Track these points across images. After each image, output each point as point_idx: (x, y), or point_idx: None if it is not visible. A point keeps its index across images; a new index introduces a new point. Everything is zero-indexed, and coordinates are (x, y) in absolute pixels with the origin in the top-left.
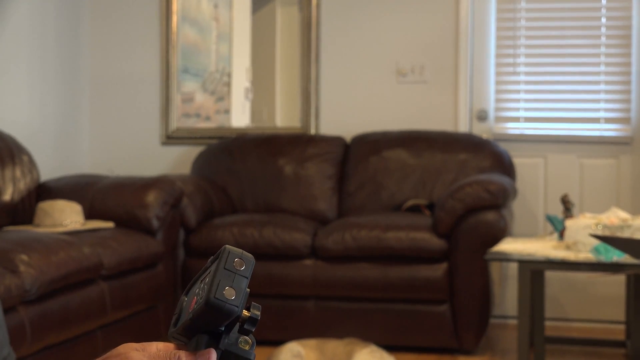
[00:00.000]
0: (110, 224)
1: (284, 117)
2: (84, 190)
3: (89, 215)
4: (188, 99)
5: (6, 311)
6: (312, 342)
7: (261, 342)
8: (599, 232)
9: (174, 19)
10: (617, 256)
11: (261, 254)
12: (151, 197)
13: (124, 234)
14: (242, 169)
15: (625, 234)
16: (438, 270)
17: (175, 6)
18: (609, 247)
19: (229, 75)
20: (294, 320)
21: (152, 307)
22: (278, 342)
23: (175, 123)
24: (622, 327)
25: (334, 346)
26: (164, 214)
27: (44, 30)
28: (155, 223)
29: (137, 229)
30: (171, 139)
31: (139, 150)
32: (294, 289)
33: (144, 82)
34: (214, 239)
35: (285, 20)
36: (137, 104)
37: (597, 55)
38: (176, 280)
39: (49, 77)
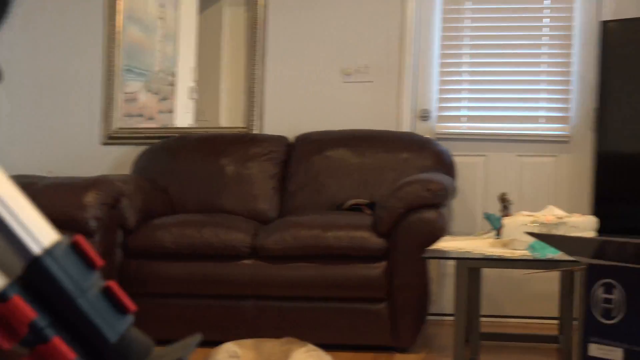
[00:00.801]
0: None
1: (228, 117)
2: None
3: None
4: (131, 99)
5: None
6: (248, 342)
7: (199, 344)
8: (535, 230)
9: (119, 17)
10: (551, 253)
11: (200, 254)
12: (89, 198)
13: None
14: (183, 169)
15: (560, 231)
16: (377, 269)
17: (120, 5)
18: (545, 245)
19: (174, 74)
20: (233, 320)
21: None
22: (216, 343)
23: (118, 123)
24: (555, 322)
25: (271, 346)
26: (102, 215)
27: None
28: (92, 224)
29: (75, 230)
30: (113, 139)
31: (79, 150)
32: (233, 289)
33: (86, 82)
34: (153, 239)
35: (232, 20)
36: (78, 104)
37: (539, 55)
38: (114, 280)
39: None
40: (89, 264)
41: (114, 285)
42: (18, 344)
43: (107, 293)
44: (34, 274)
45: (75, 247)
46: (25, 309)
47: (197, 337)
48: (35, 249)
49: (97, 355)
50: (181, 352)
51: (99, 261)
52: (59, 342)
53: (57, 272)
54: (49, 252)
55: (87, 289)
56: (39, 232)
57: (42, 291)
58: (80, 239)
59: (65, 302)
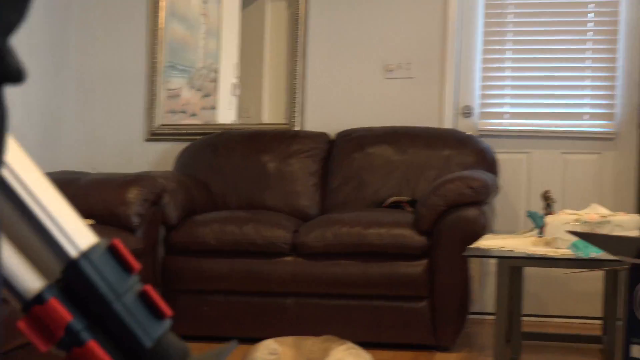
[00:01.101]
0: (90, 221)
1: (270, 114)
2: (65, 188)
3: None
4: (174, 95)
5: None
6: (289, 340)
7: (240, 340)
8: (578, 229)
9: (162, 14)
10: (594, 252)
11: (242, 250)
12: (132, 194)
13: (104, 231)
14: (225, 165)
15: (604, 230)
16: (418, 267)
17: (163, 1)
18: (588, 244)
19: (216, 71)
20: (274, 317)
21: None
22: (257, 340)
23: (161, 119)
24: (599, 322)
25: (311, 343)
26: (145, 211)
27: (31, 24)
28: (135, 220)
29: (118, 226)
30: (155, 135)
31: (122, 147)
32: (274, 286)
33: (129, 79)
34: (195, 235)
35: (274, 16)
36: (122, 101)
37: (583, 51)
38: (156, 277)
39: (33, 73)
40: (126, 268)
41: (150, 289)
42: (54, 347)
43: (143, 297)
44: (71, 277)
45: (112, 251)
46: (62, 312)
47: (234, 344)
48: (73, 252)
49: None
50: (217, 358)
51: (136, 265)
52: (94, 346)
53: (94, 276)
54: (86, 255)
55: (123, 292)
56: (77, 235)
57: (78, 294)
58: (118, 242)
59: (101, 306)
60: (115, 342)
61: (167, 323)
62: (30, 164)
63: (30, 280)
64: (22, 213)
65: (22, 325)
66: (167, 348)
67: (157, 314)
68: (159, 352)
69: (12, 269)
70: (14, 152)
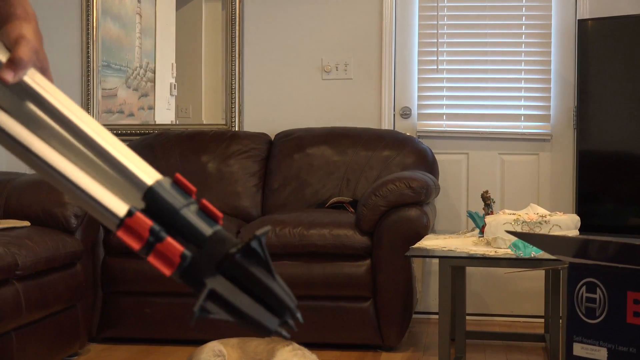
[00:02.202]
0: (26, 223)
1: (209, 114)
2: None
3: (4, 214)
4: (110, 95)
5: None
6: (233, 341)
7: (182, 342)
8: (518, 229)
9: (94, 13)
10: (535, 252)
11: None
12: None
13: (40, 232)
14: (164, 166)
15: (543, 230)
16: (361, 267)
17: (95, 0)
18: (527, 243)
19: (153, 71)
20: (217, 319)
21: (70, 307)
22: (201, 342)
23: (97, 119)
24: (541, 321)
25: (256, 344)
26: (83, 212)
27: None
28: (73, 221)
29: (55, 228)
30: None
31: None
32: None
33: (64, 78)
34: None
35: (210, 16)
36: None
37: (519, 53)
38: (96, 279)
39: None
40: (187, 192)
41: (206, 202)
42: (143, 249)
43: (202, 208)
44: (149, 199)
45: (176, 182)
46: (146, 220)
47: (267, 228)
48: (148, 180)
49: (198, 246)
50: (256, 231)
51: (194, 189)
52: (171, 240)
53: (167, 196)
54: (159, 182)
55: (188, 204)
56: (147, 170)
57: (155, 211)
58: (179, 176)
59: (173, 215)
60: (184, 237)
61: (219, 224)
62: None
63: (119, 204)
64: (100, 156)
65: (120, 234)
66: (222, 237)
67: (213, 218)
68: (216, 239)
69: (104, 199)
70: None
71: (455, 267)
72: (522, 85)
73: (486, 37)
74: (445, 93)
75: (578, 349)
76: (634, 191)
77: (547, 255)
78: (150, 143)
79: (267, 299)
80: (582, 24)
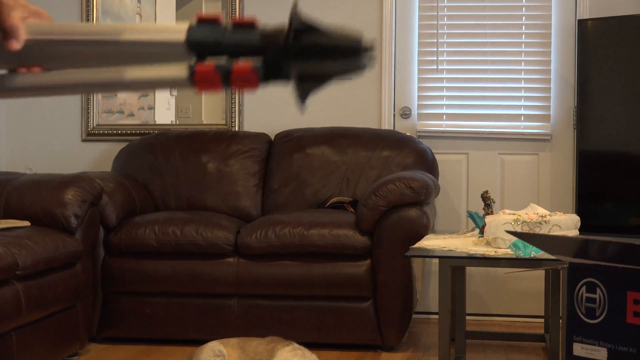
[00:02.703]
0: (26, 223)
1: (209, 114)
2: None
3: (4, 214)
4: (111, 95)
5: None
6: (233, 341)
7: (182, 342)
8: (518, 229)
9: (94, 13)
10: (535, 252)
11: (183, 252)
12: (69, 195)
13: (40, 233)
14: (164, 166)
15: (543, 230)
16: (361, 267)
17: (95, 0)
18: (527, 243)
19: None
20: (217, 319)
21: (70, 307)
22: (201, 342)
23: (97, 119)
24: (541, 321)
25: (256, 345)
26: (83, 212)
27: None
28: (73, 221)
29: (55, 228)
30: (92, 135)
31: (58, 147)
32: (217, 288)
33: None
34: (135, 237)
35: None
36: (58, 100)
37: (519, 53)
38: (96, 279)
39: None
40: (214, 21)
41: (235, 18)
42: (222, 85)
43: (235, 24)
44: (192, 49)
45: (200, 21)
46: (206, 65)
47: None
48: (181, 37)
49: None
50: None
51: (217, 17)
52: (236, 64)
53: (203, 37)
54: (189, 32)
55: (224, 32)
56: (173, 29)
57: (205, 54)
58: (199, 14)
59: (220, 46)
60: (243, 56)
61: (257, 28)
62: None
63: (177, 67)
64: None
65: (199, 89)
66: (269, 34)
67: (249, 26)
68: (266, 40)
69: (165, 71)
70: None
71: (455, 267)
72: (522, 85)
73: (486, 37)
74: (445, 93)
75: (578, 349)
76: (634, 191)
77: (547, 255)
78: (150, 143)
79: (340, 54)
80: (582, 24)
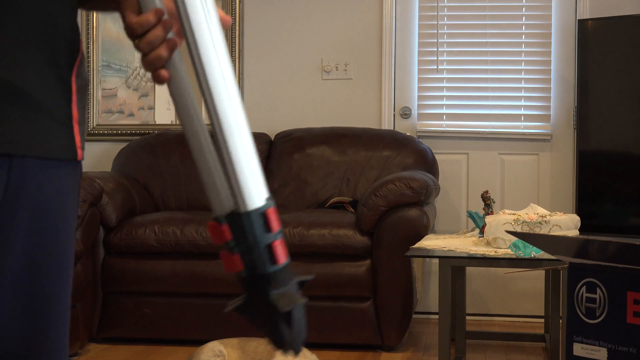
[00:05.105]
0: None
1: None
2: None
3: None
4: (110, 95)
5: None
6: (233, 341)
7: (182, 342)
8: (518, 229)
9: (94, 13)
10: (535, 252)
11: (183, 251)
12: None
13: None
14: (164, 166)
15: (543, 230)
16: (361, 267)
17: None
18: (527, 243)
19: None
20: (217, 319)
21: (70, 307)
22: (201, 342)
23: (97, 119)
24: (541, 321)
25: (256, 345)
26: (83, 212)
27: None
28: None
29: None
30: (92, 135)
31: None
32: (217, 287)
33: None
34: (135, 237)
35: None
36: None
37: (519, 53)
38: (96, 279)
39: None
40: (269, 228)
41: (276, 244)
42: (219, 244)
43: (270, 249)
44: (234, 220)
45: (265, 215)
46: (227, 232)
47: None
48: (242, 207)
49: (255, 277)
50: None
51: (277, 227)
52: (237, 257)
53: (248, 228)
54: (249, 213)
55: (260, 241)
56: (252, 193)
57: (235, 230)
58: (271, 211)
59: (246, 243)
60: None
61: (284, 264)
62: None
63: (220, 205)
64: (223, 156)
65: (209, 228)
66: (272, 279)
67: (274, 260)
68: (266, 278)
69: (218, 192)
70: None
71: (455, 267)
72: (522, 85)
73: (486, 37)
74: (445, 93)
75: (578, 349)
76: (634, 191)
77: (547, 255)
78: (150, 143)
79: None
80: (582, 24)
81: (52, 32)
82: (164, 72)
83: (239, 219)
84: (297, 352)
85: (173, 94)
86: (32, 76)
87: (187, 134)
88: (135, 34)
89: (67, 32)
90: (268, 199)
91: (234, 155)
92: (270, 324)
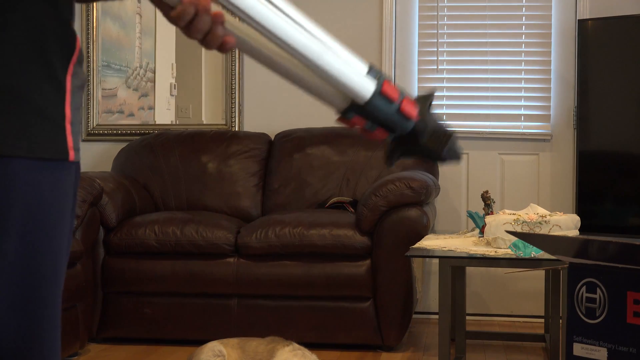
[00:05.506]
0: None
1: (209, 114)
2: None
3: None
4: (110, 95)
5: None
6: (233, 341)
7: (182, 342)
8: (518, 229)
9: (94, 13)
10: (535, 252)
11: (183, 252)
12: None
13: None
14: (164, 166)
15: (543, 230)
16: (361, 267)
17: None
18: (527, 243)
19: (153, 71)
20: (217, 319)
21: (70, 307)
22: (200, 342)
23: (97, 119)
24: (541, 321)
25: (256, 345)
26: (83, 212)
27: None
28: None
29: None
30: (92, 135)
31: None
32: (216, 288)
33: None
34: (135, 237)
35: None
36: None
37: (519, 53)
38: (96, 279)
39: None
40: (391, 100)
41: (405, 104)
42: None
43: (400, 112)
44: (359, 110)
45: (382, 93)
46: (360, 119)
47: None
48: (361, 100)
49: (401, 137)
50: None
51: (396, 96)
52: (379, 130)
53: (374, 110)
54: (368, 102)
55: (390, 113)
56: (360, 86)
57: (368, 113)
58: (386, 87)
59: (381, 119)
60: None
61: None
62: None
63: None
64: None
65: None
66: (417, 130)
67: (408, 117)
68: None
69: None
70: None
71: (455, 267)
72: (522, 85)
73: (486, 37)
74: (445, 93)
75: (578, 349)
76: (634, 191)
77: (547, 255)
78: (150, 143)
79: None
80: (582, 24)
81: (40, 30)
82: (228, 42)
83: (363, 108)
84: (459, 158)
85: (246, 50)
86: (19, 75)
87: (281, 71)
88: (179, 25)
89: (58, 30)
90: (374, 76)
91: (332, 71)
92: (433, 157)
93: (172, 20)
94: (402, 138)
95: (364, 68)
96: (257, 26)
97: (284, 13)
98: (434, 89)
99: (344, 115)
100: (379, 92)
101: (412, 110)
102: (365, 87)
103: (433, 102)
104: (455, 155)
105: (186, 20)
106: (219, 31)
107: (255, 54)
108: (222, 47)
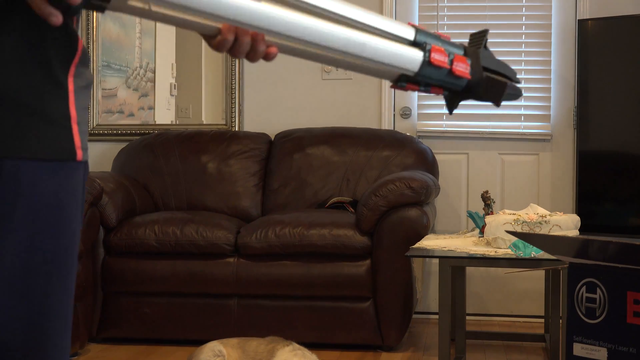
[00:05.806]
0: None
1: (209, 114)
2: None
3: None
4: (110, 95)
5: None
6: (233, 341)
7: (182, 342)
8: (518, 229)
9: (94, 13)
10: (535, 252)
11: (183, 251)
12: None
13: None
14: (164, 166)
15: (543, 230)
16: (361, 267)
17: None
18: (527, 243)
19: (153, 71)
20: (217, 319)
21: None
22: (200, 342)
23: (97, 119)
24: (541, 321)
25: (256, 345)
26: (83, 212)
27: None
28: None
29: None
30: (92, 135)
31: None
32: (216, 288)
33: None
34: (135, 237)
35: None
36: None
37: (519, 53)
38: (96, 279)
39: None
40: (439, 66)
41: (456, 68)
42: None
43: (452, 74)
44: (411, 79)
45: (430, 62)
46: (412, 87)
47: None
48: (410, 73)
49: (456, 92)
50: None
51: (444, 61)
52: (434, 89)
53: (426, 78)
54: (417, 73)
55: (442, 77)
56: (408, 58)
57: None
58: (434, 55)
59: (434, 82)
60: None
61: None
62: None
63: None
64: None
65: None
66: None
67: (461, 76)
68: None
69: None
70: None
71: (455, 267)
72: (522, 85)
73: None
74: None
75: (578, 349)
76: (634, 191)
77: (547, 255)
78: (150, 143)
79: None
80: (582, 24)
81: (39, 33)
82: (271, 53)
83: (415, 79)
84: (520, 96)
85: (289, 52)
86: (18, 78)
87: (327, 62)
88: (223, 52)
89: (57, 33)
90: (421, 42)
91: (376, 59)
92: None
93: (214, 48)
94: (458, 94)
95: (410, 34)
96: (294, 41)
97: (315, 7)
98: (487, 29)
99: (396, 84)
100: (428, 62)
101: (464, 70)
102: (412, 60)
103: (487, 41)
104: (514, 98)
105: (227, 47)
106: (260, 48)
107: (299, 54)
108: (266, 58)
